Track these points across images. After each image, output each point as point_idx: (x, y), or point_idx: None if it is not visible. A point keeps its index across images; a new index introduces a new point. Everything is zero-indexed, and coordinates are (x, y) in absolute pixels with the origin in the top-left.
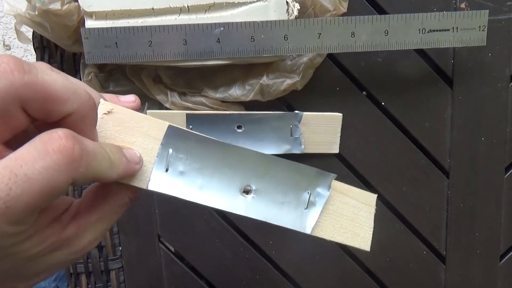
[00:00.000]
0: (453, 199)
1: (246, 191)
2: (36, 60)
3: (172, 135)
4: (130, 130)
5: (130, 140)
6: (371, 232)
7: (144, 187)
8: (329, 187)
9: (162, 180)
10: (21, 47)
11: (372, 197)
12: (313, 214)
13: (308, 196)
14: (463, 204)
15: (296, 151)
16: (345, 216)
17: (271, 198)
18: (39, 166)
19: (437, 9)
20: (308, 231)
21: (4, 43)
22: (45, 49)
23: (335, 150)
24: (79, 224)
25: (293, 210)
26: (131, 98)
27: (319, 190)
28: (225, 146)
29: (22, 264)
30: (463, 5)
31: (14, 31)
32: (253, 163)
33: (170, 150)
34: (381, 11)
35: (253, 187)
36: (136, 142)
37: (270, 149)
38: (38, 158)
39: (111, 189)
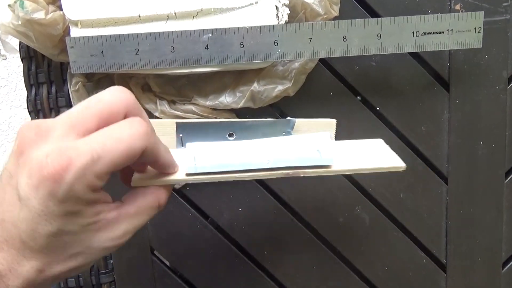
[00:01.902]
0: (452, 205)
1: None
2: (24, 70)
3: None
4: None
5: None
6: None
7: (183, 177)
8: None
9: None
10: (17, 57)
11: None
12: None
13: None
14: (463, 210)
15: None
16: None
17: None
18: (126, 133)
19: (431, 11)
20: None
21: (0, 53)
22: (32, 59)
23: None
24: (120, 212)
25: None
26: None
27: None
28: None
29: (74, 234)
30: (457, 7)
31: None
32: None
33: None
34: (373, 13)
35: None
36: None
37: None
38: (127, 127)
39: (149, 189)
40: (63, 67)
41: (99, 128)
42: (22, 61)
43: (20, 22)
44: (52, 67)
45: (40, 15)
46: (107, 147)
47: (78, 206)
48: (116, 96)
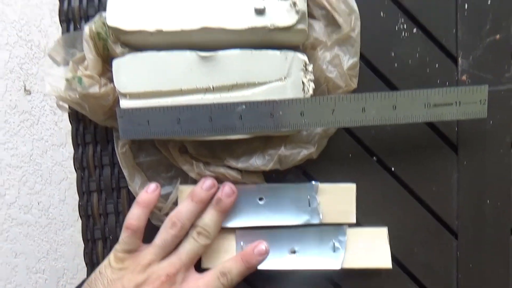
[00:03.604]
0: (462, 259)
1: (293, 251)
2: (72, 130)
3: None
4: None
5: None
6: (389, 252)
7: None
8: (345, 233)
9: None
10: (41, 92)
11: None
12: (340, 254)
13: (333, 243)
14: (472, 264)
15: (315, 221)
16: (363, 248)
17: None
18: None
19: (440, 81)
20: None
21: (25, 88)
22: (80, 121)
23: (352, 219)
24: None
25: (325, 256)
26: (153, 187)
27: (340, 238)
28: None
29: None
30: (464, 78)
31: (35, 77)
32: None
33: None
34: (389, 84)
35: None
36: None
37: (290, 220)
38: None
39: None
40: (108, 129)
41: None
42: (71, 122)
43: (77, 96)
44: (98, 129)
45: (95, 89)
46: None
47: None
48: None
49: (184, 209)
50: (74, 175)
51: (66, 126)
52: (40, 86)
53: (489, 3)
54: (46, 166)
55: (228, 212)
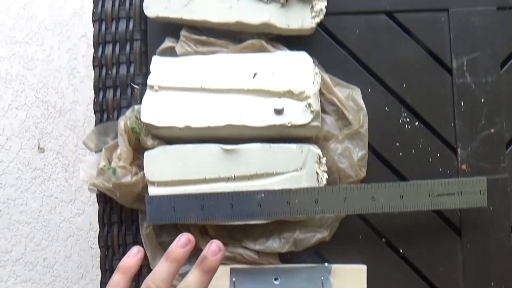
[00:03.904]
0: None
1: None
2: (99, 210)
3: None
4: None
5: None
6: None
7: None
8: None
9: None
10: (54, 150)
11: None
12: None
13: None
14: None
15: None
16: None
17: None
18: None
19: (442, 169)
20: None
21: (39, 146)
22: (107, 202)
23: None
24: None
25: None
26: (134, 251)
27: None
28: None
29: None
30: (464, 167)
31: (50, 136)
32: None
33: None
34: (395, 172)
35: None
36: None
37: None
38: None
39: None
40: (133, 210)
41: None
42: (98, 203)
43: (111, 185)
44: (124, 210)
45: (127, 179)
46: None
47: None
48: None
49: (158, 270)
50: (81, 232)
51: (76, 183)
52: (53, 144)
53: (482, 100)
54: (54, 222)
55: (214, 272)
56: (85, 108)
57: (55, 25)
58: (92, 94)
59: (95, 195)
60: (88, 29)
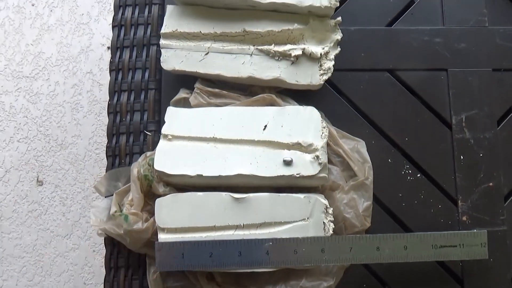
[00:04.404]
0: None
1: None
2: (106, 254)
3: None
4: None
5: None
6: None
7: None
8: None
9: None
10: (53, 184)
11: None
12: None
13: None
14: None
15: None
16: None
17: None
18: None
19: (443, 220)
20: None
21: (37, 179)
22: (115, 246)
23: None
24: None
25: None
26: None
27: None
28: None
29: None
30: (464, 218)
31: (49, 169)
32: None
33: None
34: (399, 221)
35: None
36: None
37: None
38: None
39: None
40: (140, 254)
41: None
42: (105, 247)
43: (122, 232)
44: (131, 253)
45: (138, 225)
46: None
47: None
48: None
49: None
50: (76, 267)
51: (73, 217)
52: (52, 178)
53: (481, 155)
54: (48, 257)
55: None
56: (86, 142)
57: (62, 61)
58: (94, 129)
59: (91, 229)
60: (94, 66)
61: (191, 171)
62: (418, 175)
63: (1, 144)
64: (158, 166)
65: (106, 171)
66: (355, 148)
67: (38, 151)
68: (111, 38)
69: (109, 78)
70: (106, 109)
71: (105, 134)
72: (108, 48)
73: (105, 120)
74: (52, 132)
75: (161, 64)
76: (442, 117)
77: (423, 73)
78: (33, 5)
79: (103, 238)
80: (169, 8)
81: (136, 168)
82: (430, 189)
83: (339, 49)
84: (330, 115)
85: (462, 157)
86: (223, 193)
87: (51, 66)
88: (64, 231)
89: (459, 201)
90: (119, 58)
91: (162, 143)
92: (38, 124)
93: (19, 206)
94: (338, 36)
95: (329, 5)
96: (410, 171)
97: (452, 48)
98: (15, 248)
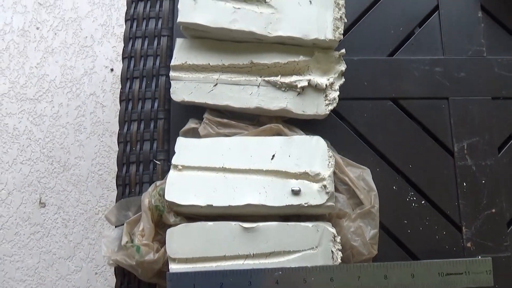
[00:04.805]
0: None
1: None
2: (116, 284)
3: None
4: None
5: None
6: None
7: None
8: None
9: None
10: (55, 205)
11: None
12: None
13: None
14: None
15: None
16: None
17: None
18: None
19: (448, 246)
20: None
21: (40, 201)
22: (125, 276)
23: None
24: None
25: None
26: None
27: None
28: None
29: None
30: (469, 245)
31: (52, 191)
32: None
33: None
34: (405, 248)
35: None
36: None
37: None
38: None
39: None
40: (151, 284)
41: None
42: (116, 276)
43: (134, 263)
44: (142, 283)
45: (150, 256)
46: None
47: None
48: None
49: None
50: None
51: (75, 238)
52: (55, 199)
53: (483, 182)
54: (50, 279)
55: None
56: (89, 164)
57: (66, 83)
58: (97, 150)
59: (93, 251)
60: (97, 88)
61: (201, 202)
62: (423, 201)
63: (4, 166)
64: (168, 196)
65: (116, 201)
66: (361, 176)
67: (41, 172)
68: (114, 59)
69: (112, 99)
70: (108, 130)
71: (108, 155)
72: (112, 70)
73: (108, 141)
74: (55, 154)
75: (171, 95)
76: (444, 145)
77: (424, 102)
78: (37, 28)
79: (105, 259)
80: (179, 41)
81: (147, 198)
82: (435, 216)
83: (343, 79)
84: (335, 143)
85: (465, 184)
86: (233, 223)
87: (54, 88)
88: (66, 253)
89: (463, 228)
90: (129, 88)
91: (172, 173)
92: (41, 146)
93: (21, 229)
94: (343, 67)
95: (333, 38)
96: (414, 198)
97: (452, 77)
98: (17, 271)
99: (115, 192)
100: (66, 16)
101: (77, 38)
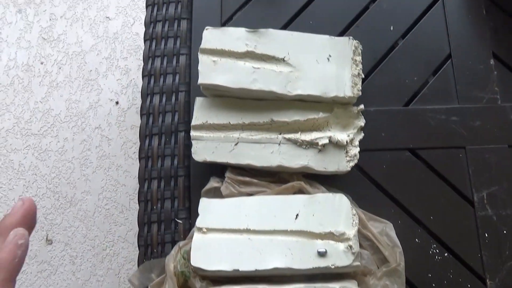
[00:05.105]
0: None
1: None
2: None
3: None
4: None
5: None
6: None
7: None
8: None
9: None
10: (62, 242)
11: None
12: None
13: None
14: None
15: None
16: None
17: None
18: None
19: None
20: None
21: (47, 238)
22: None
23: None
24: None
25: None
26: (19, 203)
27: None
28: None
29: None
30: None
31: (58, 227)
32: None
33: None
34: None
35: None
36: None
37: None
38: None
39: None
40: None
41: None
42: None
43: None
44: None
45: None
46: None
47: None
48: None
49: None
50: None
51: (83, 276)
52: (62, 236)
53: (504, 232)
54: None
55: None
56: (96, 198)
57: (71, 118)
58: (104, 184)
59: (101, 287)
60: (102, 121)
61: (227, 267)
62: (446, 254)
63: (10, 203)
64: (194, 262)
65: (138, 261)
66: (384, 231)
67: (47, 209)
68: (119, 92)
69: (117, 132)
70: (115, 163)
71: (115, 189)
72: (117, 103)
73: (114, 174)
74: (61, 189)
75: (192, 155)
76: (464, 195)
77: (442, 151)
78: (42, 63)
79: None
80: (198, 100)
81: (172, 263)
82: (458, 268)
83: (363, 134)
84: (355, 196)
85: (486, 235)
86: (260, 286)
87: (59, 123)
88: None
89: (487, 280)
90: (148, 145)
91: (197, 236)
92: (47, 181)
93: (28, 267)
94: (362, 122)
95: (352, 95)
96: (437, 250)
97: (468, 126)
98: None
99: (123, 227)
100: (70, 50)
101: (82, 72)
